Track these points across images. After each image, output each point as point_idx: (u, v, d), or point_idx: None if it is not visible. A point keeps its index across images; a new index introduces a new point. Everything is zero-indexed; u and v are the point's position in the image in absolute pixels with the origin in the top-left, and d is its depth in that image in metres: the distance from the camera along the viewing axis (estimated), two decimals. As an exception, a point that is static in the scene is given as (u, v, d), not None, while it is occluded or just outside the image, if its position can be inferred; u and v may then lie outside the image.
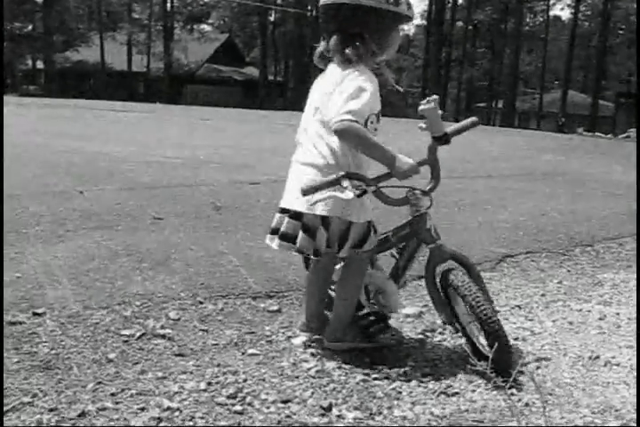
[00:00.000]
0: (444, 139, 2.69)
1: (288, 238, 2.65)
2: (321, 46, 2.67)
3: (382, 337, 2.89)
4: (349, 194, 2.43)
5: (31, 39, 45.52)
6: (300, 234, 2.62)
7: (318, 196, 2.48)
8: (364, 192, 2.53)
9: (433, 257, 2.69)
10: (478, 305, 2.48)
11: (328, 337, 2.80)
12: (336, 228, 2.63)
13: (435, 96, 2.66)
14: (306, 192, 2.46)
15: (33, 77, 47.26)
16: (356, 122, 2.42)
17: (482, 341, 2.62)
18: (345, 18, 2.56)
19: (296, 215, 2.63)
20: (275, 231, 2.71)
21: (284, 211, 2.68)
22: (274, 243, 2.72)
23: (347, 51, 2.56)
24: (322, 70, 2.72)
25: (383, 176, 2.59)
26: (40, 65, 47.19)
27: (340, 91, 2.49)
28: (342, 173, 2.48)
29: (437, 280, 2.69)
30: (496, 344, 2.44)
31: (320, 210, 2.57)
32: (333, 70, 2.62)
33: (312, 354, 2.75)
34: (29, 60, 48.51)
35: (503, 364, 2.49)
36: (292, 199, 2.64)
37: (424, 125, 2.66)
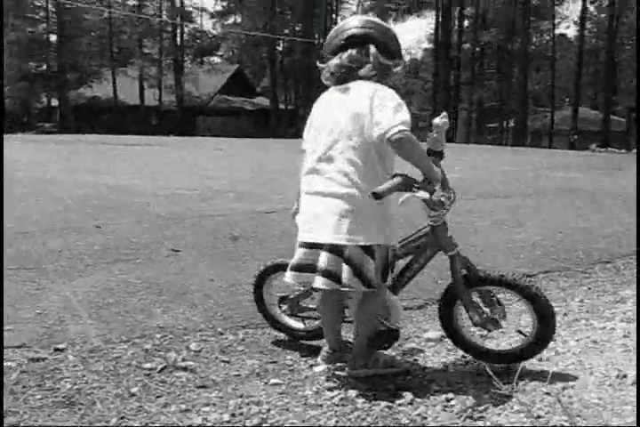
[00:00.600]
0: (442, 154, 2.77)
1: (332, 275, 2.54)
2: (336, 60, 2.64)
3: (399, 362, 2.87)
4: (425, 194, 2.52)
5: (45, 78, 46.27)
6: (346, 269, 2.53)
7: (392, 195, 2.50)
8: (434, 191, 2.56)
9: (455, 264, 2.76)
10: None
11: (350, 365, 2.78)
12: (379, 255, 2.58)
13: (445, 113, 2.71)
14: (379, 196, 2.41)
15: (48, 115, 47.91)
16: (411, 131, 2.45)
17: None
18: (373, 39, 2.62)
19: (336, 249, 2.53)
20: (299, 268, 2.61)
21: (313, 246, 2.59)
22: (296, 279, 2.66)
23: (381, 60, 2.61)
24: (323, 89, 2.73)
25: (423, 182, 2.58)
26: (55, 102, 47.88)
27: (382, 105, 2.48)
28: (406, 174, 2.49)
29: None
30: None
31: (363, 240, 2.52)
32: (357, 88, 2.57)
33: (335, 382, 2.74)
34: (44, 98, 49.25)
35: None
36: (327, 233, 2.53)
37: (435, 135, 2.73)
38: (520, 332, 2.94)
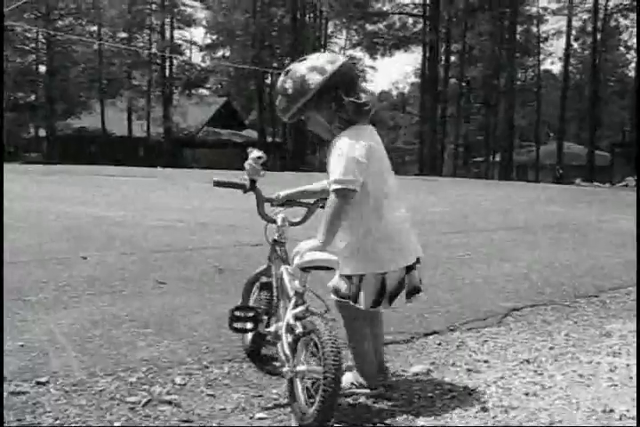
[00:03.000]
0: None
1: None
2: (367, 99, 2.77)
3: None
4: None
5: (33, 108, 46.38)
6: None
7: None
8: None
9: None
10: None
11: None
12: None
13: (255, 149, 3.03)
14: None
15: (35, 145, 47.91)
16: None
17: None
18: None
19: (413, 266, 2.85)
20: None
21: (408, 268, 2.82)
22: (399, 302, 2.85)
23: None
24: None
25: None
26: (42, 133, 47.90)
27: None
28: None
29: None
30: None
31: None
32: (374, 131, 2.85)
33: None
34: (32, 129, 49.29)
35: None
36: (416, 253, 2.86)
37: (254, 165, 3.01)
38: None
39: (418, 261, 2.88)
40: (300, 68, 2.76)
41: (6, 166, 15.26)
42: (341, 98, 2.72)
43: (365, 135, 2.77)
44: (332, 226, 2.66)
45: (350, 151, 2.67)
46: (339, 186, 2.64)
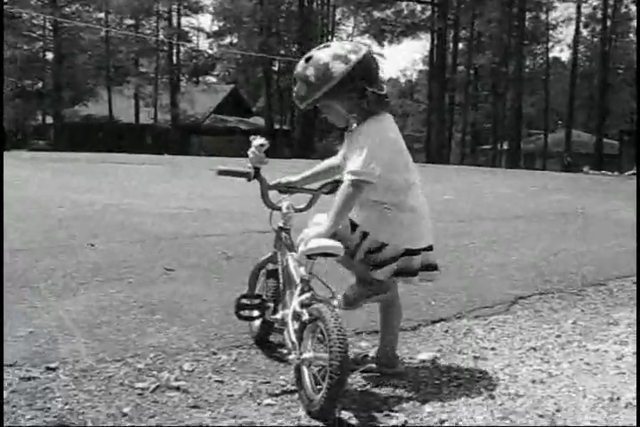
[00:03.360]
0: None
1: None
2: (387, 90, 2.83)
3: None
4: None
5: (41, 96, 46.40)
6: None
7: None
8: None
9: None
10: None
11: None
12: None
13: (259, 136, 3.03)
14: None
15: (43, 132, 47.97)
16: None
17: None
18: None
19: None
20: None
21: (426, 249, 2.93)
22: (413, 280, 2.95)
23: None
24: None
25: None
26: (49, 120, 47.95)
27: None
28: None
29: None
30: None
31: None
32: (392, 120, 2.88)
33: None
34: (39, 116, 49.34)
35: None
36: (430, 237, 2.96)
37: (257, 153, 3.00)
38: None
39: (431, 247, 2.95)
40: (322, 55, 2.74)
41: (13, 154, 15.36)
42: (363, 88, 2.72)
43: (387, 127, 2.79)
44: (339, 215, 2.67)
45: (372, 144, 2.68)
46: (354, 177, 2.65)
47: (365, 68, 2.74)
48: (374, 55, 2.80)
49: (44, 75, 47.85)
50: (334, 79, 2.69)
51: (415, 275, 2.91)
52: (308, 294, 2.68)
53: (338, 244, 2.63)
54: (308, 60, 2.77)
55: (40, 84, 48.83)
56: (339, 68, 2.69)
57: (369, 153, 2.66)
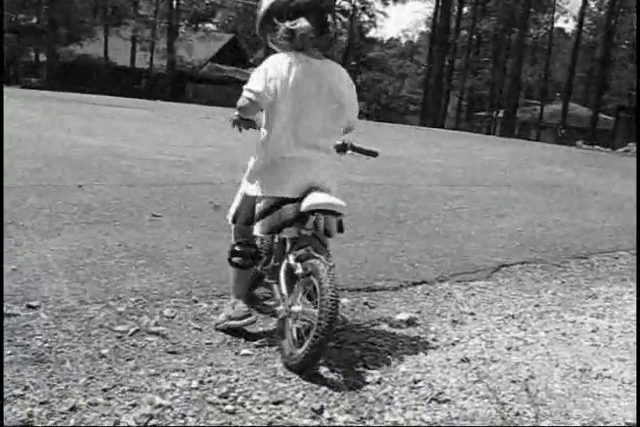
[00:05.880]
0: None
1: None
2: (305, 22, 2.75)
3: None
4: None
5: (35, 32, 45.43)
6: None
7: None
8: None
9: None
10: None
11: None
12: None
13: None
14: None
15: (35, 70, 47.14)
16: None
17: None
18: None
19: None
20: None
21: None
22: None
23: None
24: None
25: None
26: (43, 58, 47.06)
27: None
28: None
29: None
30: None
31: None
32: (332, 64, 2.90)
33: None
34: (32, 53, 48.40)
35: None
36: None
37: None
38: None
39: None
40: None
41: (5, 90, 15.02)
42: (274, 23, 2.77)
43: (282, 61, 2.79)
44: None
45: (262, 68, 2.83)
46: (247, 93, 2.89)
47: (283, 4, 2.77)
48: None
49: (39, 10, 46.76)
50: (260, 14, 2.85)
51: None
52: (303, 250, 2.68)
53: (338, 200, 2.66)
54: None
55: (34, 20, 47.74)
56: (265, 2, 2.83)
57: (259, 74, 2.84)
